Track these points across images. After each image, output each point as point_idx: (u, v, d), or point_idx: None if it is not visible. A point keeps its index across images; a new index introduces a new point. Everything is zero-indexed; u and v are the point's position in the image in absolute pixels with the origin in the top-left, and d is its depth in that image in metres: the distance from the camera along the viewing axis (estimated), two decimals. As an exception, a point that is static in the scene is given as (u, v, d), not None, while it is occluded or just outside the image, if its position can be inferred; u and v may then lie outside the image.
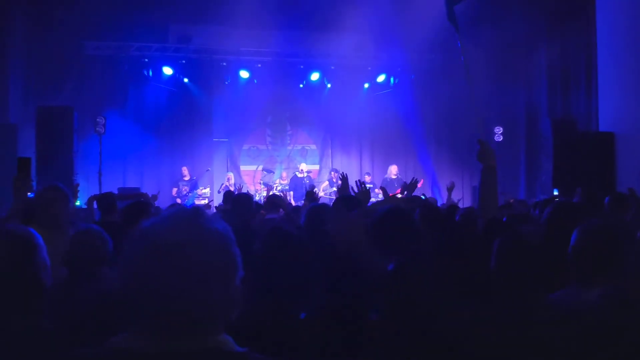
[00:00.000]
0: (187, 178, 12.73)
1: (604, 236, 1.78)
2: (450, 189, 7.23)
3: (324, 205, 4.12)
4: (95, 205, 6.31)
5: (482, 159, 3.10)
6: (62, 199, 3.52)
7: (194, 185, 12.62)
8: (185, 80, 13.86)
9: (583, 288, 2.05)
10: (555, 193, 9.93)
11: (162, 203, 9.01)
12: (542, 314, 1.64)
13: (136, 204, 4.62)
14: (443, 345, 1.61)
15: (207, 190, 12.92)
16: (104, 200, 5.37)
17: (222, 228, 1.16)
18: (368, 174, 14.00)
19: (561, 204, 2.87)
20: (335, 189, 12.70)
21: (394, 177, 12.95)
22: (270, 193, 11.51)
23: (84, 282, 2.59)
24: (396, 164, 13.26)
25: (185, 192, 12.46)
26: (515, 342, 1.69)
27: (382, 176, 13.87)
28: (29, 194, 3.13)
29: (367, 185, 13.38)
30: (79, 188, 7.01)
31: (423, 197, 6.70)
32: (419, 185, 6.66)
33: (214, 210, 7.64)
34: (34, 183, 8.19)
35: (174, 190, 12.56)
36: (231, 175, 13.03)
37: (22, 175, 2.94)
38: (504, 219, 3.88)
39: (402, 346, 1.71)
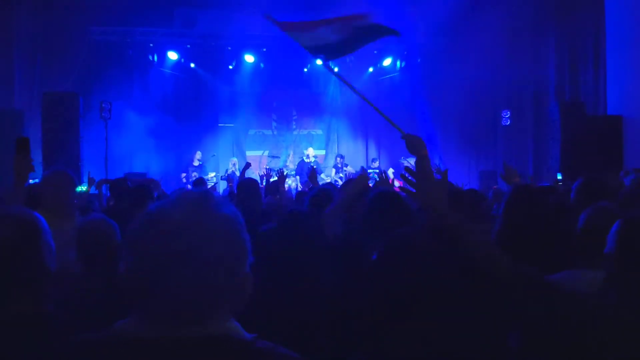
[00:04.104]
0: (196, 163, 12.73)
1: (613, 218, 1.76)
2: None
3: (327, 189, 4.06)
4: (104, 191, 6.29)
5: (413, 151, 3.04)
6: (68, 184, 3.51)
7: (202, 171, 12.62)
8: (192, 65, 13.81)
9: (587, 269, 2.10)
10: (559, 177, 9.87)
11: (170, 188, 9.02)
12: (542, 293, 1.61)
13: (141, 188, 4.62)
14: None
15: (213, 174, 12.95)
16: (117, 186, 5.35)
17: (231, 212, 1.13)
18: (375, 159, 13.94)
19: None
20: (342, 175, 12.67)
21: (406, 164, 12.99)
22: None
23: (94, 270, 2.60)
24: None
25: (194, 178, 12.47)
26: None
27: (388, 162, 13.84)
28: (29, 173, 3.09)
29: (374, 171, 13.27)
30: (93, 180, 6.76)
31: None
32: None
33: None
34: (42, 169, 8.21)
35: (183, 175, 12.57)
36: (236, 160, 13.01)
37: (22, 156, 2.88)
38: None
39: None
